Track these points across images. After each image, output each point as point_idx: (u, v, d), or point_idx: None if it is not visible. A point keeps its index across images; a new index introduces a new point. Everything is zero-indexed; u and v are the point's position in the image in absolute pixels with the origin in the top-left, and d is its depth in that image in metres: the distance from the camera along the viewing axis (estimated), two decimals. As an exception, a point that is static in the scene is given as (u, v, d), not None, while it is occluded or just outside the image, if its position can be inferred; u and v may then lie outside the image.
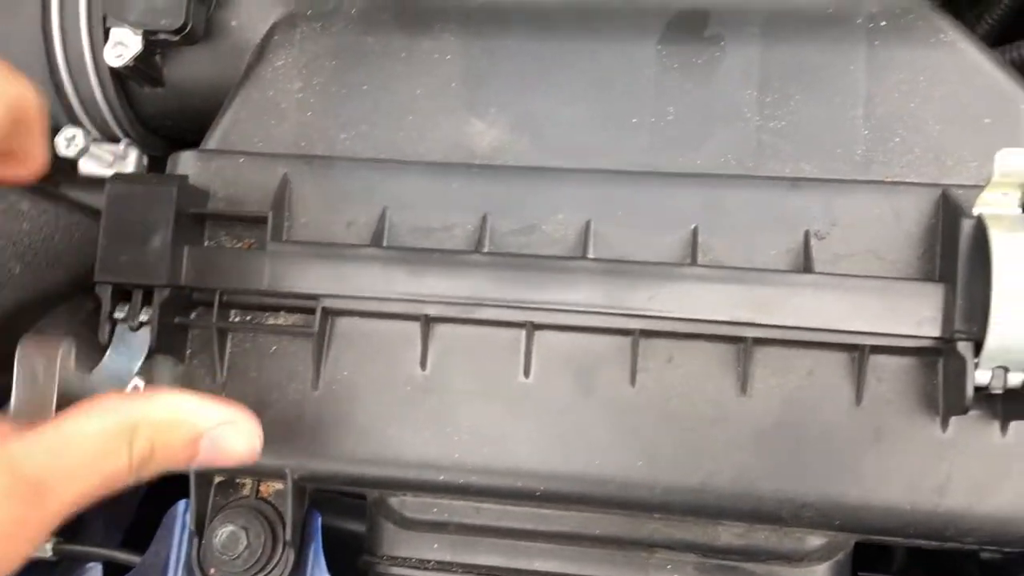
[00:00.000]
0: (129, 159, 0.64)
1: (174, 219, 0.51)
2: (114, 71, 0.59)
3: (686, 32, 0.56)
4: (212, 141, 0.57)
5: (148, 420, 0.39)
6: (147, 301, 0.52)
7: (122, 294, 0.52)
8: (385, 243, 0.53)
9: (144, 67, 0.59)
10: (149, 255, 0.51)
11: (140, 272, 0.51)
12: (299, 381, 0.54)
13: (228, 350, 0.54)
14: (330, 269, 0.52)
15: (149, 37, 0.58)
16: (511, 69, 0.56)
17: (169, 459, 0.40)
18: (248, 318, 0.55)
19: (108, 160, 0.64)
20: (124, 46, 0.57)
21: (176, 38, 0.57)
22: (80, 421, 0.38)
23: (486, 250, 0.52)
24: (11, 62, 0.44)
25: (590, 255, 0.52)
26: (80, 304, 0.65)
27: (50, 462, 0.36)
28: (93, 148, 0.62)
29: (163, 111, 0.64)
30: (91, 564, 0.63)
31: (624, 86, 0.55)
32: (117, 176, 0.52)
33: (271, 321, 0.54)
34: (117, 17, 0.57)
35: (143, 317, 0.52)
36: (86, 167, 0.64)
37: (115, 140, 0.65)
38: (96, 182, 0.65)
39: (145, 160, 0.66)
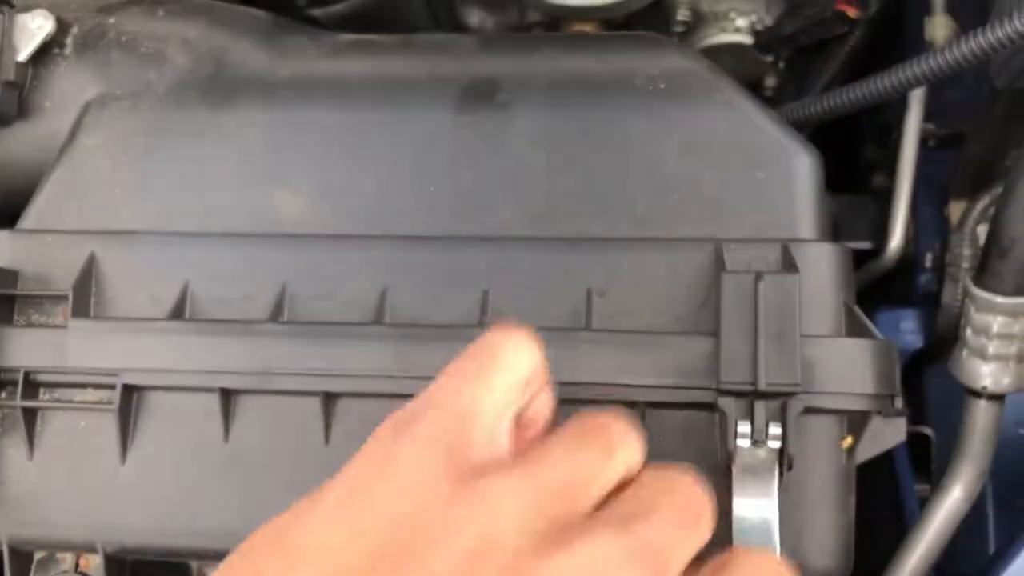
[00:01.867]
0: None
1: (-2, 303, 0.53)
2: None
3: (478, 100, 0.58)
4: (27, 221, 0.59)
5: None
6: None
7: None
8: (187, 315, 0.55)
9: (-39, 150, 0.60)
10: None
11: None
12: (107, 456, 0.54)
13: (38, 427, 0.55)
14: (130, 343, 0.53)
15: (-39, 119, 0.59)
16: (313, 139, 0.58)
17: None
18: (56, 395, 0.55)
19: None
20: (-65, 130, 0.59)
21: (-13, 121, 0.59)
22: None
23: (284, 318, 0.54)
24: None
25: (386, 320, 0.53)
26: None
27: None
28: (-83, 229, 0.63)
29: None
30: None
31: (423, 154, 0.57)
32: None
33: (79, 398, 0.55)
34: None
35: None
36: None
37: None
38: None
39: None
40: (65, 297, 0.55)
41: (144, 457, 0.54)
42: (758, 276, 0.48)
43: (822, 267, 0.51)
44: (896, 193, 0.78)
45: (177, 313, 0.55)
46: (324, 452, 0.53)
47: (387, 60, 0.60)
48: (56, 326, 0.55)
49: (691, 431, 0.51)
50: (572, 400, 0.51)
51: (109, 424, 0.54)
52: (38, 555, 0.57)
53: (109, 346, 0.53)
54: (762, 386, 0.47)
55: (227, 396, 0.53)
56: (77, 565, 0.57)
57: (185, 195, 0.58)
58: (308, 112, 0.59)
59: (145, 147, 0.59)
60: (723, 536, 0.49)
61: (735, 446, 0.48)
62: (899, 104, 0.76)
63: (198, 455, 0.54)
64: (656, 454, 0.51)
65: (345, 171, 0.57)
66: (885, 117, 0.87)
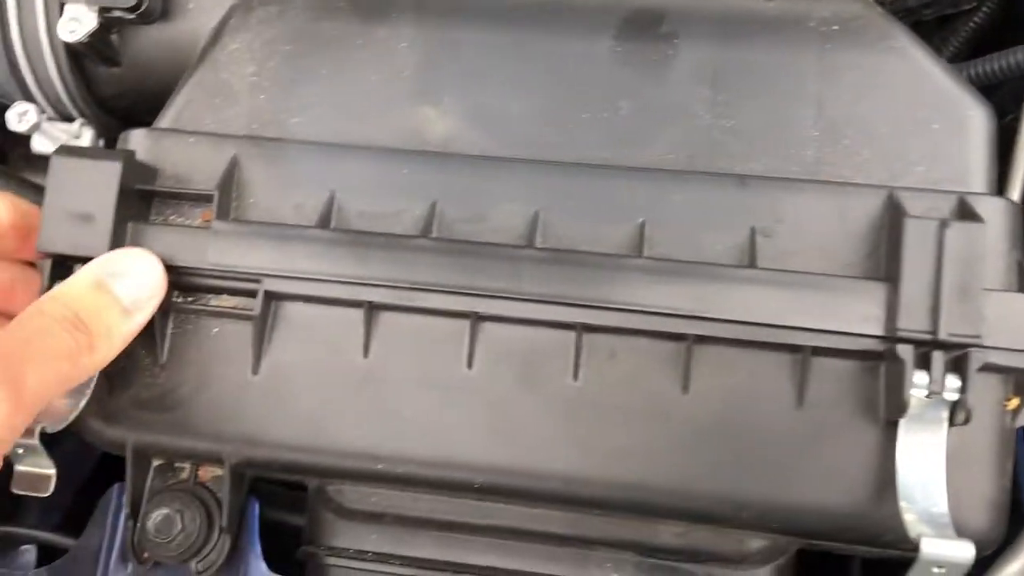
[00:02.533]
0: (83, 139, 0.64)
1: (118, 194, 0.51)
2: (70, 48, 0.58)
3: (641, 30, 0.56)
4: (164, 121, 0.57)
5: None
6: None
7: (63, 269, 0.52)
8: (332, 226, 0.53)
9: (99, 45, 0.59)
10: (91, 229, 0.51)
11: (82, 245, 0.51)
12: (239, 365, 0.53)
13: (169, 330, 0.54)
14: (274, 249, 0.52)
15: (104, 14, 0.57)
16: (466, 59, 0.56)
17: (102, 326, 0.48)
18: (190, 299, 0.54)
19: (61, 139, 0.63)
20: (78, 22, 0.57)
21: (131, 16, 0.57)
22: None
23: (433, 236, 0.52)
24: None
25: (537, 244, 0.51)
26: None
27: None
28: (46, 126, 0.62)
29: (119, 91, 0.63)
30: (25, 547, 0.62)
31: (578, 81, 0.55)
32: (63, 148, 0.52)
33: (213, 303, 0.54)
34: (72, -7, 0.57)
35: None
36: (39, 145, 0.63)
37: (70, 119, 0.64)
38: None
39: (101, 141, 0.65)
40: (206, 198, 0.53)
41: (278, 368, 0.53)
42: (943, 223, 0.47)
43: (997, 221, 0.50)
44: (1011, 176, 0.76)
45: (323, 223, 0.53)
46: (465, 376, 0.52)
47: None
48: (197, 227, 0.54)
49: (854, 380, 0.49)
50: (733, 340, 0.49)
51: (244, 331, 0.53)
52: (156, 461, 0.55)
53: (252, 251, 0.52)
54: (943, 336, 0.46)
55: (371, 310, 0.52)
56: (196, 476, 0.55)
57: (330, 106, 0.56)
58: (462, 29, 0.57)
59: (291, 54, 0.57)
60: (887, 490, 0.48)
61: (908, 396, 0.46)
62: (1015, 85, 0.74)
63: (334, 370, 0.52)
64: (814, 403, 0.50)
65: (496, 93, 0.56)
66: (999, 98, 0.85)
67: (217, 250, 0.52)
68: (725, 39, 0.55)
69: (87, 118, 0.64)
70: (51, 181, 0.51)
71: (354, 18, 0.57)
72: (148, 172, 0.54)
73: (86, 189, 0.51)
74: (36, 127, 0.60)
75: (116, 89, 0.63)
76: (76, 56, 0.61)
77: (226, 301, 0.54)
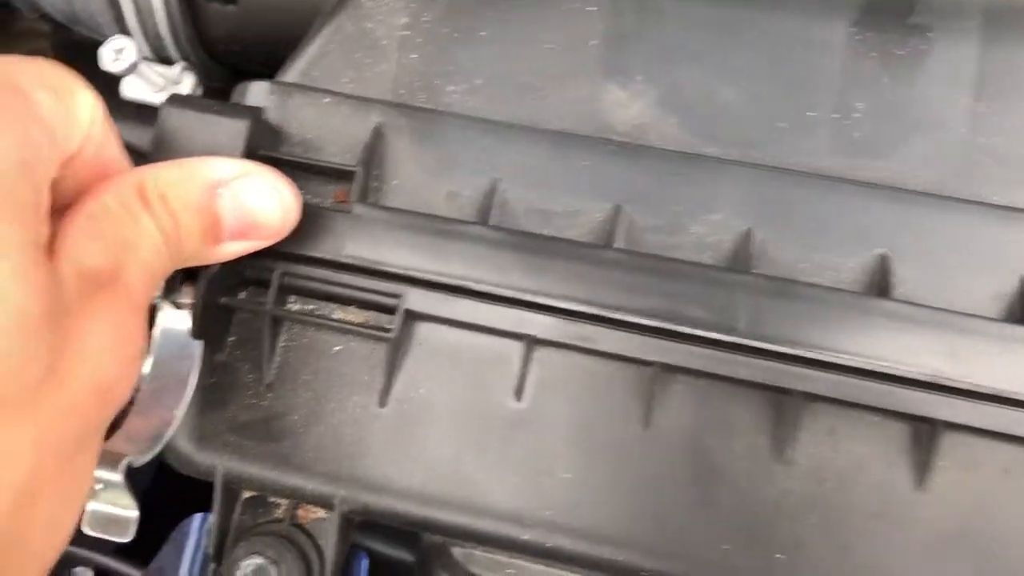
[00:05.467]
0: (183, 86, 0.54)
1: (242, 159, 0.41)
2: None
3: (887, 16, 0.45)
4: (291, 73, 0.47)
5: (155, 176, 0.35)
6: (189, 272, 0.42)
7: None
8: (493, 222, 0.43)
9: (218, -24, 0.49)
10: (205, 202, 0.41)
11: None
12: (364, 393, 0.43)
13: (280, 343, 0.44)
14: (426, 245, 0.42)
15: (232, -61, 0.47)
16: (666, 31, 0.46)
17: (191, 223, 0.36)
18: (310, 307, 0.44)
19: (158, 84, 0.53)
20: (200, -53, 0.47)
21: (265, -57, 0.47)
22: (101, 200, 0.34)
23: (619, 246, 0.42)
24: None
25: (752, 269, 0.42)
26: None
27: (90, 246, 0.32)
28: (142, 67, 0.52)
29: (231, 33, 0.53)
30: (80, 569, 0.53)
31: (804, 70, 0.45)
32: (176, 98, 0.42)
33: (338, 315, 0.44)
34: (196, -90, 0.47)
35: (188, 290, 0.41)
36: (131, 89, 0.54)
37: (168, 62, 0.55)
38: (139, 110, 0.55)
39: (200, 91, 0.56)
40: (344, 174, 0.44)
41: (411, 402, 0.43)
42: None
43: None
44: None
45: (483, 217, 0.43)
46: (642, 437, 0.42)
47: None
48: (329, 208, 0.44)
49: None
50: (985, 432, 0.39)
51: (372, 353, 0.43)
52: (246, 493, 0.46)
53: (402, 244, 0.42)
54: None
55: (531, 344, 0.42)
56: (294, 516, 0.45)
57: (495, 74, 0.46)
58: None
59: (452, 7, 0.47)
60: None
61: None
62: None
63: (479, 411, 0.43)
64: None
65: (701, 76, 0.46)
66: None
67: (357, 241, 0.42)
68: (992, 37, 0.45)
69: (189, 62, 0.55)
70: (159, 136, 0.41)
71: (531, -30, 0.47)
72: (274, 135, 0.44)
73: (202, 150, 0.41)
74: (133, 67, 0.50)
75: (228, 30, 0.53)
76: (190, -10, 0.51)
77: (354, 315, 0.44)
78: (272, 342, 0.44)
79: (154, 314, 0.43)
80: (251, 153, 0.41)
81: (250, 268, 0.43)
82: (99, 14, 0.52)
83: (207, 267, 0.41)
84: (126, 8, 0.51)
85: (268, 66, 0.54)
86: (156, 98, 0.54)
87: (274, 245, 0.41)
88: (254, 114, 0.42)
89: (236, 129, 0.41)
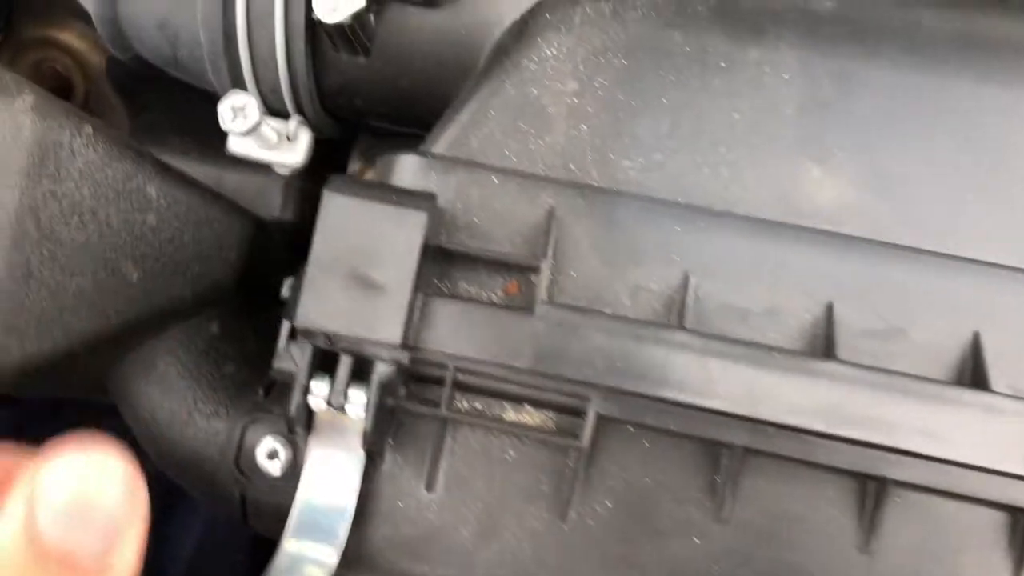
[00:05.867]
0: (299, 143, 0.49)
1: (420, 256, 0.36)
2: (322, 28, 0.43)
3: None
4: (442, 142, 0.42)
5: None
6: (360, 374, 0.37)
7: (327, 359, 0.37)
8: (689, 323, 0.38)
9: (356, 27, 0.43)
10: (379, 303, 0.36)
11: (362, 324, 0.36)
12: (544, 507, 0.39)
13: (447, 446, 0.39)
14: (620, 352, 0.37)
15: (381, -11, 0.42)
16: (870, 102, 0.41)
17: None
18: (478, 406, 0.39)
19: (271, 140, 0.48)
20: (345, -3, 0.41)
21: (421, -2, 0.42)
22: None
23: (837, 355, 0.38)
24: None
25: (992, 386, 0.37)
26: (199, 327, 0.50)
27: None
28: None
29: (357, 86, 0.48)
30: None
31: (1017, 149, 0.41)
32: (339, 184, 0.36)
33: (511, 415, 0.39)
34: (343, -44, 0.41)
35: (357, 397, 0.36)
36: (239, 146, 0.48)
37: (276, 113, 0.49)
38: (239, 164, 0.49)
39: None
40: (525, 267, 0.39)
41: (598, 518, 0.38)
42: None
43: None
44: None
45: (678, 318, 0.38)
46: (858, 561, 0.38)
47: (982, 16, 0.43)
48: (504, 307, 0.39)
49: None
50: None
51: (553, 460, 0.39)
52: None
53: (594, 351, 0.37)
54: None
55: (736, 451, 0.37)
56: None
57: (680, 150, 0.41)
58: (866, 62, 0.42)
59: (628, 72, 0.42)
60: None
61: None
62: None
63: (681, 528, 0.38)
64: None
65: (913, 154, 0.41)
66: None
67: (542, 347, 0.37)
68: None
69: (304, 116, 0.49)
70: (324, 229, 0.36)
71: (717, 30, 0.42)
72: (440, 221, 0.39)
73: (375, 244, 0.36)
74: (256, 127, 0.45)
75: (354, 83, 0.48)
76: (313, 37, 0.45)
77: (529, 415, 0.39)
78: (438, 445, 0.39)
79: (311, 420, 0.38)
80: (424, 247, 0.36)
81: (420, 365, 0.38)
82: (209, 62, 0.46)
83: (378, 370, 0.36)
84: (243, 54, 0.46)
85: (392, 119, 0.49)
86: (266, 155, 0.48)
87: (449, 349, 0.36)
88: (431, 203, 0.37)
89: (414, 222, 0.36)
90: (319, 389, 0.36)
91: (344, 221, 0.36)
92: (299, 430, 0.37)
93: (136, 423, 0.50)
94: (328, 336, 0.36)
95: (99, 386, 0.51)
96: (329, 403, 0.36)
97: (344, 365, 0.36)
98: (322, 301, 0.36)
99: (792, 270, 0.39)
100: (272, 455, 0.48)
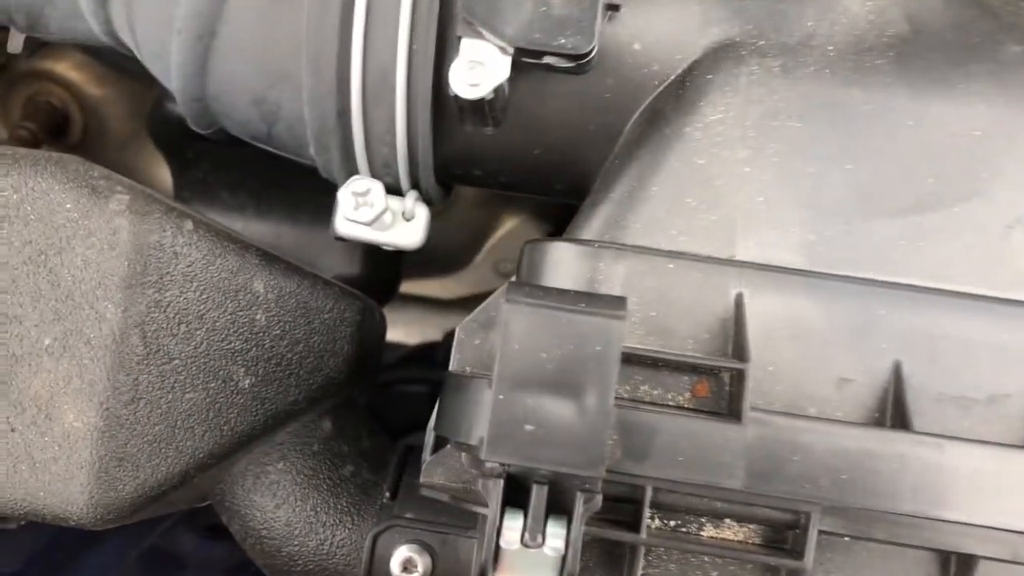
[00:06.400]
0: (417, 222, 0.44)
1: (618, 370, 0.32)
2: (457, 103, 0.38)
3: None
4: (593, 226, 0.37)
5: None
6: (556, 502, 0.32)
7: (516, 491, 0.32)
8: (911, 424, 0.34)
9: (495, 100, 0.39)
10: (579, 429, 0.31)
11: (566, 455, 0.31)
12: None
13: (640, 571, 0.35)
14: (840, 464, 0.33)
15: (525, 58, 0.37)
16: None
17: None
18: (672, 524, 0.35)
19: (387, 223, 0.43)
20: (485, 69, 0.37)
21: (570, 64, 0.37)
22: None
23: (1078, 448, 0.34)
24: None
25: None
26: (312, 427, 0.45)
27: None
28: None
29: (479, 158, 0.43)
30: None
31: None
32: (517, 293, 0.32)
33: (710, 532, 0.35)
34: (486, 25, 0.36)
35: (556, 532, 0.32)
36: (348, 228, 0.43)
37: (390, 188, 0.44)
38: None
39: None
40: (719, 369, 0.34)
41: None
42: None
43: None
44: None
45: (898, 420, 0.34)
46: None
47: None
48: (693, 411, 0.34)
49: None
50: None
51: (761, 578, 0.34)
52: None
53: (804, 469, 0.33)
54: None
55: (968, 561, 0.33)
56: None
57: (871, 220, 0.37)
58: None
59: (805, 136, 0.38)
60: None
61: None
62: None
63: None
64: None
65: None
66: None
67: (755, 463, 0.33)
68: None
69: (419, 190, 0.44)
70: (506, 347, 0.32)
71: (900, 85, 0.38)
72: (618, 318, 0.35)
73: (568, 359, 0.31)
74: (382, 214, 0.40)
75: (476, 154, 0.43)
76: (439, 108, 0.41)
77: (732, 531, 0.35)
78: (633, 570, 0.35)
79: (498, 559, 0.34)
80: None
81: (611, 486, 0.34)
82: (315, 139, 0.42)
83: (581, 503, 0.32)
84: (356, 126, 0.41)
85: (513, 189, 0.45)
86: (381, 237, 0.44)
87: (650, 471, 0.32)
88: (625, 308, 0.32)
89: (612, 332, 0.31)
90: (512, 526, 0.32)
91: (531, 335, 0.31)
92: (489, 571, 0.33)
93: (247, 537, 0.45)
94: (516, 466, 0.31)
95: (202, 497, 0.46)
96: (524, 542, 0.32)
97: (538, 498, 0.32)
98: (512, 430, 0.31)
99: (1013, 350, 0.35)
100: (408, 566, 0.44)
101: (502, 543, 0.32)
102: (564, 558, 0.32)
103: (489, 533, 0.32)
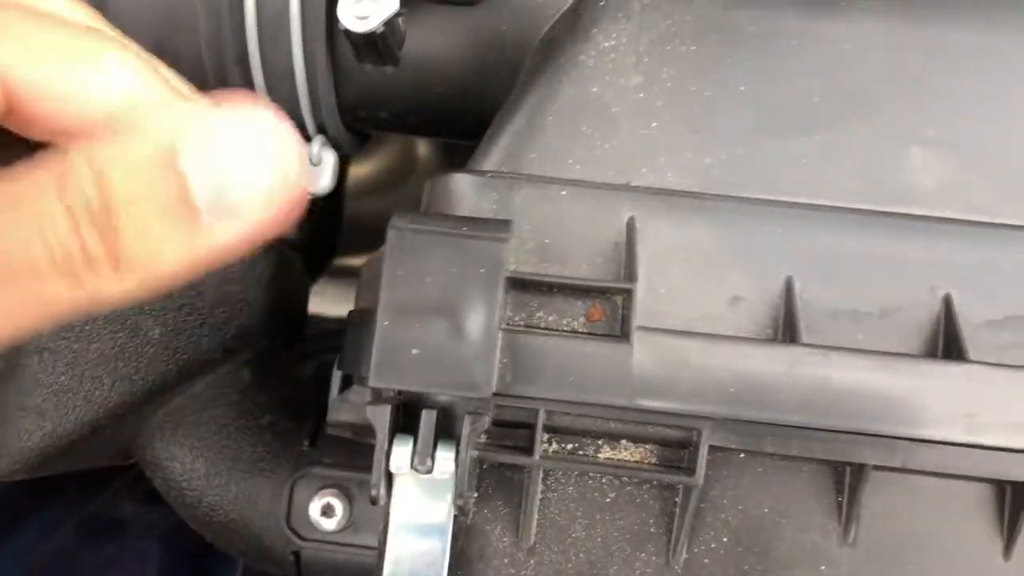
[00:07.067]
0: (324, 167, 0.44)
1: (504, 290, 0.32)
2: (349, 38, 0.38)
3: None
4: (494, 156, 0.37)
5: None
6: (446, 427, 0.32)
7: (409, 415, 0.32)
8: (803, 336, 0.34)
9: (388, 34, 0.38)
10: (464, 353, 0.31)
11: (451, 379, 0.31)
12: (653, 550, 0.35)
13: (538, 495, 0.35)
14: (730, 379, 0.33)
15: (413, -10, 0.37)
16: (965, 70, 0.38)
17: (145, 198, 0.23)
18: (569, 447, 0.35)
19: (294, 167, 0.43)
20: (372, 1, 0.37)
21: (460, -5, 0.37)
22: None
23: (968, 352, 0.34)
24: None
25: None
26: (229, 377, 0.45)
27: None
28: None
29: (383, 98, 0.43)
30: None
31: None
32: (403, 220, 0.32)
33: (607, 454, 0.35)
34: (371, -44, 0.36)
35: (444, 455, 0.32)
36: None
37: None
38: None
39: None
40: (601, 291, 0.35)
41: (717, 559, 0.35)
42: None
43: None
44: None
45: (788, 331, 0.35)
46: (1003, 569, 0.34)
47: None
48: (585, 334, 0.35)
49: None
50: None
51: (660, 500, 0.35)
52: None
53: (702, 380, 0.33)
54: None
55: (860, 471, 0.34)
56: None
57: (765, 141, 0.37)
58: (957, 28, 0.38)
59: (697, 59, 0.38)
60: None
61: None
62: None
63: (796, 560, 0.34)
64: None
65: (1018, 121, 0.37)
66: None
67: (644, 381, 0.33)
68: None
69: (326, 135, 0.44)
70: (391, 269, 0.32)
71: (790, 5, 0.38)
72: (501, 243, 0.35)
73: (452, 284, 0.32)
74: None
75: (379, 95, 0.43)
76: (334, 48, 0.41)
77: (628, 452, 0.35)
78: (528, 494, 0.35)
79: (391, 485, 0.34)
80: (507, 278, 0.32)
81: (504, 410, 0.34)
82: (218, 85, 0.42)
83: (467, 425, 0.32)
84: (256, 72, 0.41)
85: (422, 131, 0.45)
86: (290, 182, 0.43)
87: (541, 392, 0.32)
88: (510, 231, 0.32)
89: (494, 255, 0.32)
90: (401, 451, 0.32)
91: (414, 262, 0.32)
92: (380, 498, 0.33)
93: (169, 490, 0.45)
94: (406, 393, 0.32)
95: (124, 453, 0.46)
96: (414, 467, 0.32)
97: (427, 423, 0.32)
98: (398, 355, 0.31)
99: (904, 263, 0.35)
100: (327, 511, 0.44)
101: (392, 469, 0.32)
102: (455, 481, 0.32)
103: (378, 458, 0.32)
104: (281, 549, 0.44)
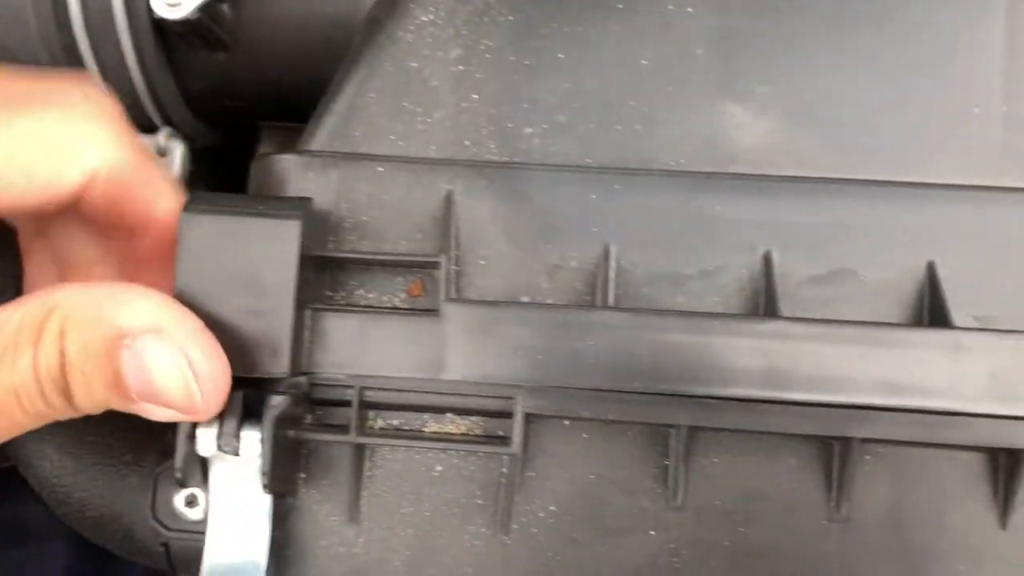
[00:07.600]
0: (173, 157, 0.44)
1: (298, 270, 0.32)
2: (164, 27, 0.38)
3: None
4: (320, 137, 0.37)
5: (62, 308, 0.30)
6: (251, 410, 0.32)
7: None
8: (613, 300, 0.34)
9: (208, 21, 0.38)
10: (261, 332, 0.31)
11: (247, 361, 0.31)
12: (482, 522, 0.35)
13: (366, 472, 0.35)
14: (542, 347, 0.33)
15: (224, -26, 0.37)
16: (790, 29, 0.37)
17: (90, 373, 0.30)
18: (395, 422, 0.35)
19: (140, 159, 0.43)
20: (184, -12, 0.37)
21: (269, -25, 0.37)
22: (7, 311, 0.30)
23: (785, 309, 0.34)
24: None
25: (954, 321, 0.33)
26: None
27: None
28: (122, 142, 0.41)
29: (222, 86, 0.43)
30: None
31: (965, 58, 0.37)
32: (197, 202, 0.32)
33: (433, 428, 0.35)
34: (176, -59, 0.36)
35: (250, 436, 0.32)
36: (106, 168, 0.43)
37: (148, 129, 0.44)
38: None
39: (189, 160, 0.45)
40: (422, 264, 0.34)
41: (543, 526, 0.35)
42: None
43: None
44: None
45: (604, 299, 0.34)
46: (831, 529, 0.34)
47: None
48: (403, 311, 0.34)
49: None
50: None
51: (485, 471, 0.35)
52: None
53: (505, 354, 0.33)
54: None
55: (683, 430, 0.34)
56: None
57: (585, 108, 0.37)
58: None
59: (517, 29, 0.37)
60: None
61: None
62: None
63: (629, 524, 0.34)
64: None
65: (838, 80, 0.37)
66: None
67: (454, 353, 0.33)
68: None
69: (173, 126, 0.44)
70: (185, 252, 0.32)
71: (607, -30, 0.38)
72: (323, 226, 0.35)
73: (247, 265, 0.31)
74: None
75: (219, 83, 0.43)
76: (165, 39, 0.40)
77: (454, 425, 0.35)
78: (356, 472, 0.35)
79: (206, 470, 0.34)
80: (305, 257, 0.32)
81: (320, 389, 0.34)
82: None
83: (270, 404, 0.32)
84: (90, 66, 0.41)
85: (270, 117, 0.45)
86: (140, 175, 0.43)
87: (349, 368, 0.32)
88: (304, 209, 0.32)
89: (286, 232, 0.31)
90: (207, 433, 0.32)
91: (208, 244, 0.31)
92: (193, 482, 0.33)
93: (42, 488, 0.45)
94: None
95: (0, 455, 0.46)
96: (221, 448, 0.32)
97: (234, 404, 0.32)
98: (194, 335, 0.31)
99: (723, 223, 0.35)
100: (191, 501, 0.44)
101: (199, 450, 0.32)
102: (262, 461, 0.32)
103: (181, 439, 0.32)
104: (151, 541, 0.44)
